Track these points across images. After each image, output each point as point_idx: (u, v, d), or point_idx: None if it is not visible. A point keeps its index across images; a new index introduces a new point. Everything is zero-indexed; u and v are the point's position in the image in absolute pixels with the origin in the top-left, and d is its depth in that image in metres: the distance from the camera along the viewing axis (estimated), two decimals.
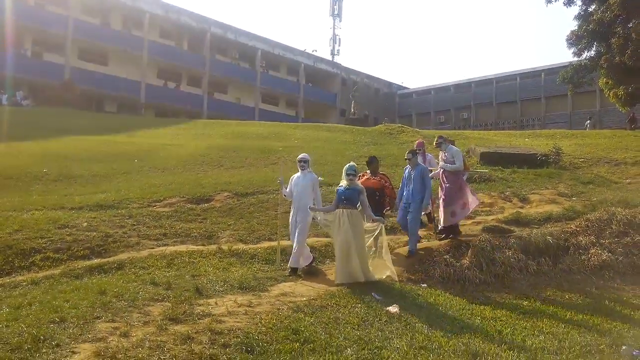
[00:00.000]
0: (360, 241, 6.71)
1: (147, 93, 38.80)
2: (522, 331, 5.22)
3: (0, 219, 9.08)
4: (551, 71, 43.33)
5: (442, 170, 8.41)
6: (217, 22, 44.24)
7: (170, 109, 39.76)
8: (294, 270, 7.06)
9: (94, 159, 16.06)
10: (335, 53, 58.68)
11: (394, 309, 5.54)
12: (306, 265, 7.27)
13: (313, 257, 7.49)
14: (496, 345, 4.66)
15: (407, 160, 8.08)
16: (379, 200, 7.89)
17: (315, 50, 54.05)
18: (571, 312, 5.92)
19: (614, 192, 11.42)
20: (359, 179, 7.54)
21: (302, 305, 5.35)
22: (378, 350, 4.27)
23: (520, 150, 15.98)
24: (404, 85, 61.23)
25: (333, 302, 5.56)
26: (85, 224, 8.90)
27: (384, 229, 7.08)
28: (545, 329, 5.30)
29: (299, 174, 7.48)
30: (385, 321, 5.09)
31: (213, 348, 3.93)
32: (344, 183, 6.82)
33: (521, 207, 10.31)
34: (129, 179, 13.58)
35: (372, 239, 7.11)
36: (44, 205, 10.23)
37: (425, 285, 6.94)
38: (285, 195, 7.57)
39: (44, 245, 7.92)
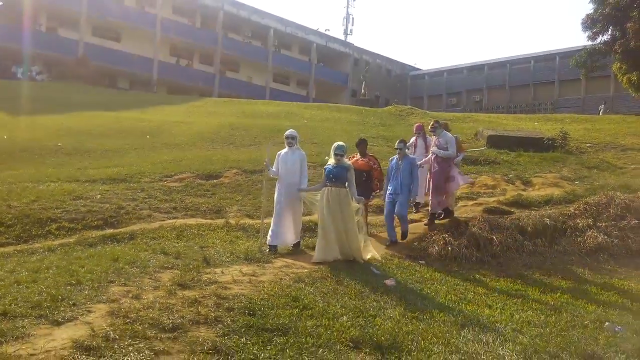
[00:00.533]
0: (349, 220, 6.65)
1: (160, 70, 39.05)
2: (512, 306, 5.47)
3: (17, 189, 9.47)
4: (566, 55, 42.65)
5: (434, 155, 8.45)
6: (231, 0, 44.10)
7: (182, 86, 40.01)
8: (297, 245, 7.16)
9: (107, 134, 16.42)
10: (348, 33, 58.36)
11: (390, 282, 5.83)
12: (294, 245, 7.20)
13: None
14: (484, 318, 4.93)
15: (397, 151, 7.97)
16: (367, 181, 7.94)
17: (328, 30, 54.01)
18: (561, 291, 6.16)
19: (617, 177, 11.56)
20: (348, 160, 7.39)
21: (304, 276, 5.65)
22: (372, 318, 4.55)
23: (528, 133, 16.07)
24: (416, 66, 60.78)
25: (333, 274, 5.84)
26: (99, 196, 9.25)
27: (362, 209, 7.08)
28: (535, 306, 5.54)
29: (286, 150, 7.24)
30: (381, 293, 5.36)
31: (218, 311, 4.24)
32: (331, 161, 6.75)
33: (523, 190, 10.50)
34: (141, 155, 13.91)
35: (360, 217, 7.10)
36: (58, 177, 10.61)
37: (423, 262, 7.22)
38: (272, 175, 7.32)
39: (60, 215, 8.29)
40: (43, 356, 3.26)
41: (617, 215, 8.21)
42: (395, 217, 7.86)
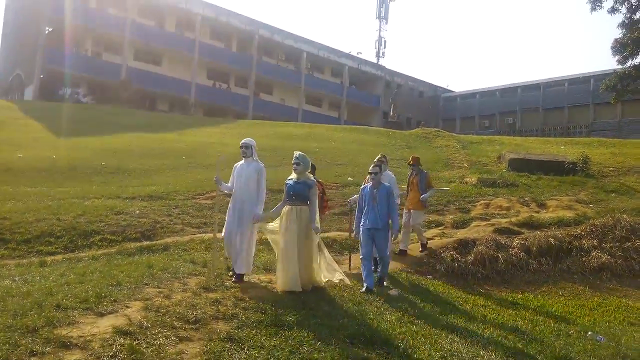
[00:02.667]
0: (309, 243, 6.00)
1: (197, 92, 40.71)
2: (505, 317, 5.97)
3: (66, 204, 10.48)
4: (600, 77, 42.10)
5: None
6: (265, 25, 45.76)
7: (218, 108, 41.57)
8: (239, 277, 6.10)
9: (147, 155, 17.53)
10: (381, 55, 59.14)
11: (394, 292, 6.40)
12: (237, 275, 6.14)
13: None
14: (475, 324, 5.45)
15: (370, 176, 6.76)
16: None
17: (360, 53, 54.97)
18: (556, 305, 6.60)
19: (635, 200, 11.77)
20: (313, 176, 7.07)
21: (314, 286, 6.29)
22: (370, 321, 5.14)
23: (550, 157, 16.34)
24: (448, 88, 61.17)
25: (342, 284, 6.45)
26: (137, 211, 10.16)
27: (321, 242, 6.45)
28: (528, 316, 6.03)
29: (242, 162, 6.44)
30: (384, 301, 5.94)
31: (235, 309, 4.93)
32: (293, 176, 6.08)
33: (537, 212, 10.88)
34: (177, 174, 14.89)
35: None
36: (102, 194, 11.61)
37: (430, 277, 7.74)
38: (225, 190, 6.50)
39: (102, 228, 9.20)
40: (89, 337, 4.01)
41: (622, 237, 8.56)
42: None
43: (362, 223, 6.65)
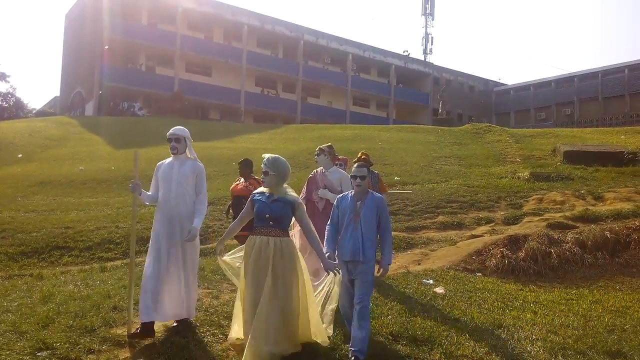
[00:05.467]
0: (291, 296, 4.00)
1: (246, 100, 41.59)
2: (557, 313, 5.79)
3: (124, 213, 11.03)
4: None
5: (319, 200, 5.77)
6: (310, 30, 46.20)
7: (267, 114, 42.31)
8: (147, 330, 4.25)
9: None
10: (428, 52, 58.44)
11: (440, 289, 6.35)
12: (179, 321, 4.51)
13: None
14: (523, 321, 5.33)
15: (354, 181, 4.41)
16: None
17: (407, 51, 54.23)
18: (613, 300, 6.33)
19: None
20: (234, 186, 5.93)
21: None
22: (414, 318, 5.14)
23: (608, 148, 15.65)
24: (501, 81, 59.53)
25: (387, 282, 6.47)
26: None
27: (338, 280, 4.38)
28: (581, 312, 5.82)
29: (170, 160, 4.68)
30: (429, 299, 5.91)
31: None
32: (264, 189, 4.18)
33: (593, 205, 10.45)
34: (227, 180, 15.30)
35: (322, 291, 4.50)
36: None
37: (479, 274, 7.61)
38: (146, 201, 4.69)
39: None
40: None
41: None
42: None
43: (339, 252, 4.37)
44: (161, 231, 4.53)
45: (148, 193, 4.69)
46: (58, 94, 46.33)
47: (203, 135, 24.73)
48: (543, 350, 4.45)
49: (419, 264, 7.92)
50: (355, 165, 4.51)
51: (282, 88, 45.46)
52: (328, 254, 4.28)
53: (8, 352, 3.85)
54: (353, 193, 4.50)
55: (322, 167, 5.96)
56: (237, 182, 7.06)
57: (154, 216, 4.66)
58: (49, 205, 12.45)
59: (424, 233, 9.67)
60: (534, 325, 5.21)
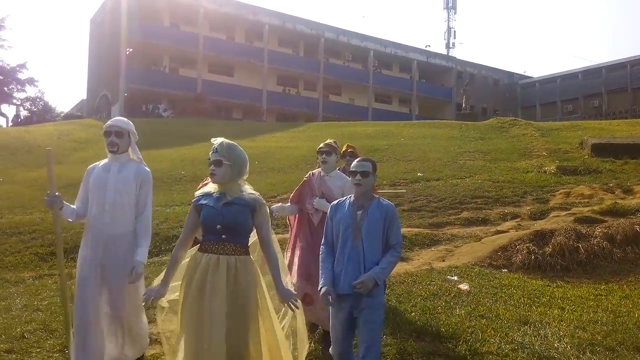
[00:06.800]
0: (245, 337, 2.95)
1: (268, 99, 41.78)
2: (585, 308, 5.67)
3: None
4: None
5: (314, 210, 4.61)
6: (330, 27, 46.14)
7: (289, 113, 42.44)
8: None
9: None
10: (451, 46, 57.85)
11: (464, 286, 6.29)
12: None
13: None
14: (550, 317, 5.24)
15: (353, 179, 3.37)
16: None
17: (429, 46, 53.99)
18: None
19: None
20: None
21: None
22: (438, 315, 5.10)
23: (636, 140, 15.25)
24: (526, 74, 58.53)
25: (410, 279, 6.43)
26: None
27: (299, 315, 3.36)
28: (610, 308, 5.69)
29: (105, 162, 3.68)
30: (453, 295, 5.86)
31: None
32: (211, 188, 3.17)
33: (622, 199, 10.21)
34: (250, 179, 15.15)
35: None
36: (182, 202, 12.29)
37: (505, 270, 7.50)
38: (68, 219, 3.57)
39: None
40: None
41: None
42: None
43: (327, 279, 3.30)
44: (90, 259, 3.43)
45: (72, 207, 3.54)
46: (85, 97, 47.30)
47: (226, 135, 24.82)
48: (571, 347, 4.37)
49: (443, 261, 7.86)
50: (356, 161, 3.41)
51: (303, 86, 45.52)
52: (324, 288, 3.21)
53: (39, 350, 3.96)
54: (352, 199, 3.38)
55: (320, 169, 4.70)
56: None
57: (82, 238, 3.53)
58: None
59: (448, 229, 9.58)
60: (562, 321, 5.12)
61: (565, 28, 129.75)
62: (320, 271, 3.37)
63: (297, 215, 4.80)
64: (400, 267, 7.25)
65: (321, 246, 3.46)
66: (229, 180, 3.10)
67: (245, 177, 3.20)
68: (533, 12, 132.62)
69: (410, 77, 50.49)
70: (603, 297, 6.17)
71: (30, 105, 45.70)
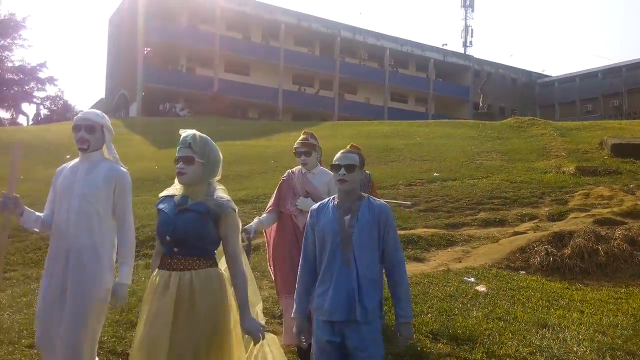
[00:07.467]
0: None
1: (284, 98, 41.89)
2: (605, 312, 5.59)
3: None
4: None
5: (296, 211, 4.09)
6: (346, 26, 46.09)
7: (304, 112, 42.50)
8: None
9: (238, 161, 18.39)
10: (468, 45, 57.41)
11: (481, 288, 6.24)
12: None
13: None
14: (569, 321, 5.17)
15: (336, 174, 2.71)
16: None
17: (446, 44, 53.62)
18: None
19: None
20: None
21: None
22: (455, 317, 5.07)
23: None
24: (544, 73, 57.85)
25: (426, 280, 6.40)
26: None
27: (266, 345, 2.79)
28: (631, 311, 5.60)
29: (75, 161, 3.10)
30: (470, 297, 5.82)
31: None
32: (175, 190, 2.70)
33: None
34: (265, 178, 15.48)
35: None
36: None
37: (523, 272, 7.42)
38: (33, 228, 3.01)
39: None
40: None
41: None
42: None
43: (315, 304, 2.72)
44: (53, 277, 2.91)
45: (37, 213, 2.98)
46: (103, 96, 47.94)
47: (242, 134, 25.09)
48: (590, 351, 4.32)
49: (460, 262, 7.80)
50: (341, 151, 2.79)
51: (319, 85, 45.54)
52: (298, 319, 2.70)
53: None
54: (336, 201, 2.76)
55: (299, 166, 4.22)
56: None
57: (49, 247, 3.00)
58: None
59: (464, 230, 9.50)
60: (581, 324, 5.05)
61: (585, 26, 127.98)
62: (295, 297, 2.78)
63: (275, 224, 4.19)
64: (416, 268, 7.23)
65: (300, 263, 2.83)
66: (199, 181, 2.60)
67: (217, 178, 2.71)
68: (552, 10, 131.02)
69: (427, 75, 50.20)
70: (623, 300, 6.08)
71: (50, 104, 46.50)
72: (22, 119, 43.36)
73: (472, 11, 59.28)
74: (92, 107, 43.45)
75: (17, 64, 41.73)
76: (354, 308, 2.58)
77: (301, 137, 4.19)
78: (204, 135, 2.70)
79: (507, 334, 4.64)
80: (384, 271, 2.77)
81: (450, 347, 4.33)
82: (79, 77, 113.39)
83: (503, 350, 4.27)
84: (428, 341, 4.41)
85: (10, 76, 41.64)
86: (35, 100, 43.94)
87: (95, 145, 3.04)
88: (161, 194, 2.73)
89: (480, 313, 5.23)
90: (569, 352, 4.30)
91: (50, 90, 45.14)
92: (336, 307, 2.60)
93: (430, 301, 5.56)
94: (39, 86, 42.98)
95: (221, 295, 2.50)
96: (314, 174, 4.17)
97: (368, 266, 2.65)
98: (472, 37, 58.20)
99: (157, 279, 2.52)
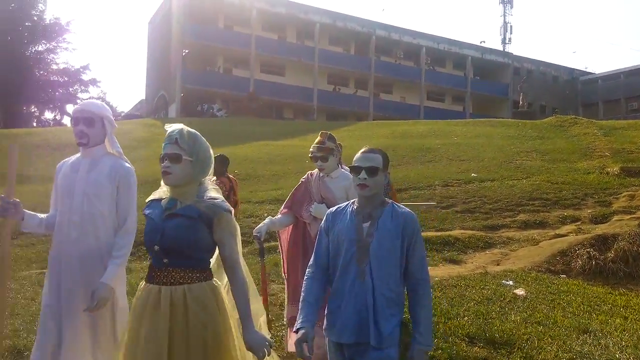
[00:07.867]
0: None
1: (319, 98, 41.99)
2: None
3: None
4: None
5: (310, 218, 3.87)
6: (382, 24, 45.80)
7: (339, 112, 42.51)
8: None
9: (273, 161, 18.58)
10: (507, 42, 56.19)
11: (520, 291, 6.11)
12: None
13: None
14: (612, 327, 5.02)
15: (356, 178, 2.40)
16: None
17: (484, 42, 52.49)
18: None
19: None
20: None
21: (434, 284, 6.23)
22: (492, 321, 4.99)
23: None
24: (587, 70, 56.11)
25: (463, 283, 6.32)
26: (265, 214, 10.84)
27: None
28: None
29: (75, 157, 2.87)
30: (508, 301, 5.71)
31: None
32: (162, 191, 2.38)
33: None
34: (299, 178, 15.58)
35: None
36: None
37: (564, 276, 7.24)
38: (31, 229, 2.82)
39: None
40: None
41: None
42: None
43: (326, 322, 2.42)
44: (53, 284, 2.70)
45: (39, 216, 2.77)
46: (144, 97, 49.19)
47: (278, 134, 25.32)
48: (634, 358, 4.18)
49: (498, 264, 7.67)
50: (361, 151, 2.48)
51: (354, 85, 45.44)
52: (302, 330, 2.26)
53: None
54: (355, 206, 2.47)
55: (317, 170, 3.94)
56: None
57: (50, 250, 2.81)
58: (138, 204, 13.34)
59: (503, 232, 9.33)
60: (624, 331, 4.89)
61: (629, 21, 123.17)
62: (300, 304, 2.39)
63: (290, 228, 3.97)
64: (453, 270, 7.14)
65: (307, 269, 2.49)
66: (188, 182, 2.31)
67: (209, 176, 2.43)
68: (594, 4, 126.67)
69: (464, 74, 49.37)
70: None
71: None
72: (66, 120, 44.97)
73: (511, 7, 58.11)
74: (132, 109, 44.75)
75: (61, 66, 43.34)
76: (366, 330, 2.27)
77: (317, 139, 3.86)
78: (192, 130, 2.41)
79: (547, 339, 4.54)
80: (405, 291, 2.41)
81: (486, 351, 4.26)
82: (121, 79, 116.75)
83: (542, 356, 4.18)
84: (464, 344, 4.35)
85: (55, 78, 43.25)
86: (79, 101, 45.43)
87: (95, 140, 2.80)
88: (148, 198, 2.40)
89: (518, 317, 5.13)
90: (612, 359, 4.18)
91: (93, 92, 46.60)
92: (346, 326, 2.30)
93: (467, 304, 5.49)
94: (83, 88, 44.48)
95: (218, 315, 2.21)
96: (332, 177, 3.88)
97: (386, 282, 2.31)
98: (511, 34, 57.01)
99: (146, 295, 2.22)
